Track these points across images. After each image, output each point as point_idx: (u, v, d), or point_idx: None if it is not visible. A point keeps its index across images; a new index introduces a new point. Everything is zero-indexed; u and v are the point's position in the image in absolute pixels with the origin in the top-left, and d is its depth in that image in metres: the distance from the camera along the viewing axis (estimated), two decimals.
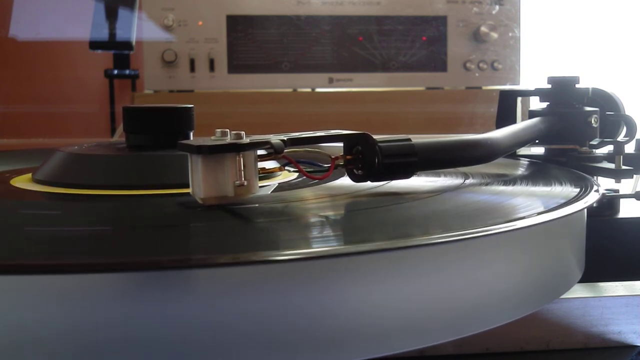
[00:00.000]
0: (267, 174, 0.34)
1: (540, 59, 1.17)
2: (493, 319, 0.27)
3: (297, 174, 0.39)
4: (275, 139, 0.29)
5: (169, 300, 0.22)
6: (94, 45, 1.01)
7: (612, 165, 0.40)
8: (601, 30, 1.24)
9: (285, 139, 0.29)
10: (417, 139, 0.33)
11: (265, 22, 0.97)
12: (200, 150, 0.28)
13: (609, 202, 0.39)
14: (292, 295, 0.23)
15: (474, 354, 0.33)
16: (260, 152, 0.29)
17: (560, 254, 0.31)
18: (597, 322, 0.35)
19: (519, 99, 0.49)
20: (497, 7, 1.01)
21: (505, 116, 0.49)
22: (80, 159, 0.38)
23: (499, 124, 0.47)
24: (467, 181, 0.36)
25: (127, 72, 1.12)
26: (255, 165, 0.29)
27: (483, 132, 0.38)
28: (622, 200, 0.40)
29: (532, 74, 1.05)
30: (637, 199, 0.38)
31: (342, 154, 0.33)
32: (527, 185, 0.35)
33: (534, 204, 0.31)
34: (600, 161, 0.42)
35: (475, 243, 0.26)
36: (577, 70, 0.99)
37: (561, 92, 0.45)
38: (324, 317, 0.23)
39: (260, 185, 0.30)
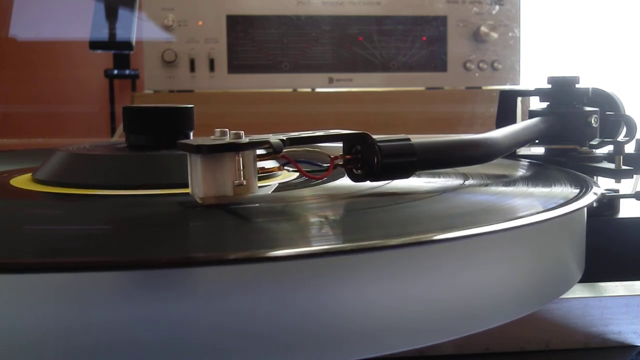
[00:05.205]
0: (266, 174, 0.34)
1: (540, 59, 1.17)
2: (493, 319, 0.27)
3: (296, 173, 0.39)
4: (274, 138, 0.29)
5: (169, 299, 0.22)
6: (94, 45, 1.01)
7: (612, 165, 0.40)
8: (601, 30, 1.24)
9: (284, 138, 0.29)
10: (417, 139, 0.33)
11: (265, 22, 0.97)
12: (199, 149, 0.28)
13: (609, 202, 0.39)
14: (292, 295, 0.23)
15: (474, 354, 0.33)
16: (260, 151, 0.29)
17: (560, 254, 0.31)
18: (597, 322, 0.35)
19: (519, 99, 0.49)
20: (497, 7, 1.01)
21: (505, 116, 0.49)
22: (80, 159, 0.38)
23: (499, 124, 0.47)
24: (467, 182, 0.36)
25: (127, 72, 1.12)
26: (255, 164, 0.29)
27: (483, 132, 0.38)
28: (622, 200, 0.40)
29: (532, 74, 1.05)
30: (637, 199, 0.38)
31: (341, 153, 0.33)
32: (526, 185, 0.35)
33: (534, 204, 0.31)
34: (600, 161, 0.42)
35: (475, 243, 0.26)
36: (577, 70, 0.99)
37: (561, 92, 0.45)
38: (323, 317, 0.23)
39: (259, 185, 0.30)
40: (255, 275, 0.23)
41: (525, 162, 0.45)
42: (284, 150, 0.29)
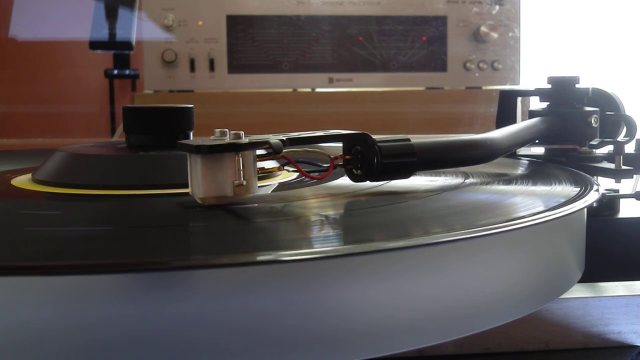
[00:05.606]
0: (266, 174, 0.34)
1: (540, 59, 1.17)
2: (493, 319, 0.27)
3: (296, 173, 0.39)
4: (274, 138, 0.29)
5: (169, 300, 0.22)
6: (94, 45, 1.01)
7: (612, 165, 0.40)
8: (601, 30, 1.24)
9: (284, 138, 0.29)
10: (417, 139, 0.33)
11: (265, 22, 0.97)
12: (199, 150, 0.28)
13: (609, 202, 0.39)
14: (292, 296, 0.23)
15: (473, 354, 0.33)
16: (260, 152, 0.29)
17: (560, 254, 0.31)
18: (597, 322, 0.35)
19: (519, 99, 0.49)
20: (497, 7, 1.01)
21: (505, 116, 0.49)
22: (80, 159, 0.38)
23: (499, 124, 0.47)
24: (467, 181, 0.36)
25: (127, 72, 1.12)
26: (254, 165, 0.29)
27: (483, 132, 0.38)
28: (622, 200, 0.40)
29: (532, 74, 1.05)
30: (637, 199, 0.38)
31: (341, 153, 0.33)
32: (527, 184, 0.35)
33: (534, 204, 0.31)
34: (600, 161, 0.42)
35: (475, 243, 0.26)
36: (577, 70, 0.99)
37: (561, 92, 0.45)
38: (324, 317, 0.23)
39: (259, 185, 0.30)
40: (256, 275, 0.23)
41: (525, 160, 0.45)
42: (284, 150, 0.29)
